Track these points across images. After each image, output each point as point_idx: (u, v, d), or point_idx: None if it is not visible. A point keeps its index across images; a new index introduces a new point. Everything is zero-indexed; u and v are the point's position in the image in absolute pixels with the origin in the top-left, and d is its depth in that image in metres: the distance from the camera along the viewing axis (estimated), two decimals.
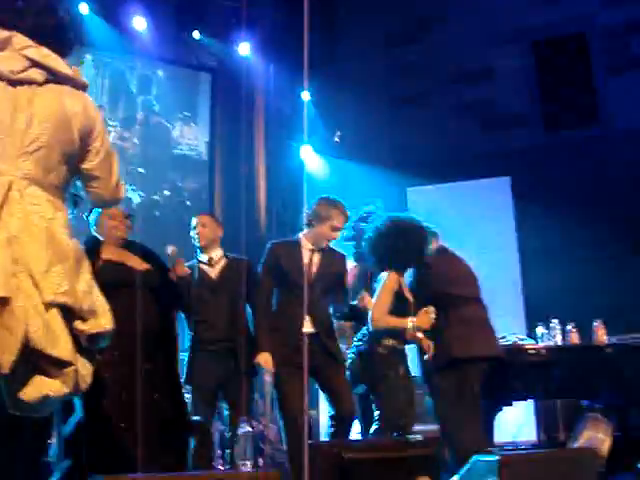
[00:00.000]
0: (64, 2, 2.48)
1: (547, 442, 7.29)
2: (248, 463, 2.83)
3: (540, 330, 5.72)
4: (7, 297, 2.08)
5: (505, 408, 5.41)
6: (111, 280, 3.60)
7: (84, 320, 2.23)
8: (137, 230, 4.30)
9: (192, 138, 8.87)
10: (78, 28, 2.59)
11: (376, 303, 4.43)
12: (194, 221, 4.90)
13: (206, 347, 4.63)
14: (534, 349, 5.50)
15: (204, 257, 4.83)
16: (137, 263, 3.93)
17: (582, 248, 8.24)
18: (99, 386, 2.87)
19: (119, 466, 3.22)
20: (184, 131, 8.83)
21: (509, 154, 8.77)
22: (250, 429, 2.90)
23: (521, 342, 5.57)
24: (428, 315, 4.41)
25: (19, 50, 2.30)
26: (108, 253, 3.88)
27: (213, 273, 4.79)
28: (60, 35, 2.41)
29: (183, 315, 4.78)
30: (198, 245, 4.85)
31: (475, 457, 3.38)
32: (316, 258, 4.64)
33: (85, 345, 2.25)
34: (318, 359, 4.37)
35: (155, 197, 8.49)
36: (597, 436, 5.31)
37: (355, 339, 4.64)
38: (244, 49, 8.82)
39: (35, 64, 2.31)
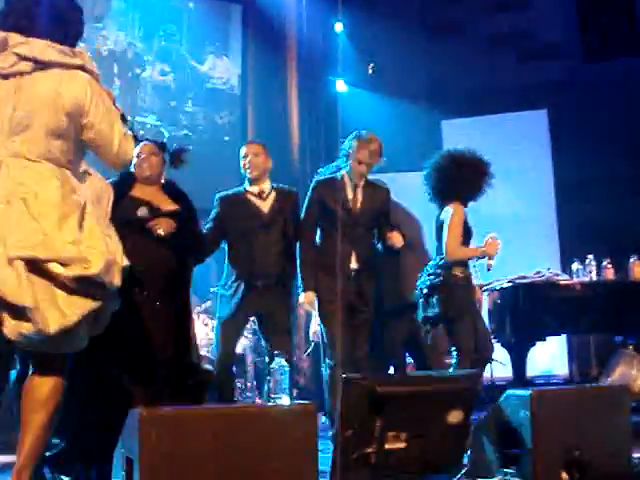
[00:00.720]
0: None
1: (579, 377, 7.32)
2: (283, 396, 2.88)
3: (575, 266, 5.68)
4: None
5: (538, 342, 5.45)
6: (131, 217, 3.64)
7: (64, 265, 2.53)
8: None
9: (224, 71, 8.77)
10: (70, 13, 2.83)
11: (450, 235, 4.45)
12: (244, 150, 4.66)
13: (252, 281, 4.48)
14: (569, 284, 5.48)
15: (254, 189, 4.61)
16: (165, 203, 3.90)
17: (620, 182, 8.10)
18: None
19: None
20: (216, 64, 8.73)
21: (547, 86, 8.57)
22: (286, 362, 2.93)
23: (555, 277, 5.54)
24: (496, 242, 4.47)
25: (11, 48, 2.65)
26: (137, 191, 3.86)
27: (265, 207, 4.59)
28: (51, 26, 2.72)
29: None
30: (249, 176, 4.61)
31: (508, 391, 3.41)
32: (359, 194, 4.63)
33: (73, 287, 2.55)
34: (353, 300, 4.47)
35: (187, 132, 8.45)
36: (630, 372, 5.32)
37: (425, 275, 4.62)
38: None
39: (23, 58, 2.64)
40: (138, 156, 3.87)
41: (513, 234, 8.03)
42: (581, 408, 3.46)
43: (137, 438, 2.54)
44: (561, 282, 5.48)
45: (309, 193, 4.65)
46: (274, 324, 4.51)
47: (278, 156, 7.86)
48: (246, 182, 4.68)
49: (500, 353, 6.12)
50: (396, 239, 4.53)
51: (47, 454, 3.04)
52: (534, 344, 5.36)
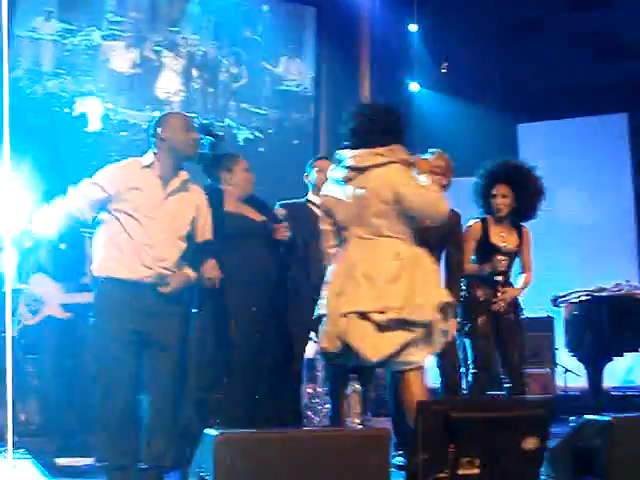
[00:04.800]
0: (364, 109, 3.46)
1: None
2: (357, 420, 2.88)
3: None
4: None
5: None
6: (235, 231, 3.75)
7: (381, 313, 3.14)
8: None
9: (297, 74, 8.78)
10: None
11: None
12: (318, 165, 4.58)
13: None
14: None
15: (317, 199, 4.33)
16: (255, 215, 4.01)
17: None
18: None
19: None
20: (289, 67, 8.74)
21: (627, 87, 8.29)
22: (358, 386, 2.92)
23: (636, 291, 5.38)
24: None
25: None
26: (230, 205, 3.95)
27: None
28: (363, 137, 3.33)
29: None
30: (314, 185, 4.53)
31: (585, 417, 3.33)
32: None
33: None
34: None
35: (259, 134, 8.48)
36: None
37: None
38: None
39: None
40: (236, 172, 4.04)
41: (590, 242, 7.86)
42: None
43: (212, 461, 2.58)
44: None
45: None
46: None
47: None
48: (310, 193, 4.63)
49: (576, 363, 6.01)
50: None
51: None
52: (612, 359, 5.23)
